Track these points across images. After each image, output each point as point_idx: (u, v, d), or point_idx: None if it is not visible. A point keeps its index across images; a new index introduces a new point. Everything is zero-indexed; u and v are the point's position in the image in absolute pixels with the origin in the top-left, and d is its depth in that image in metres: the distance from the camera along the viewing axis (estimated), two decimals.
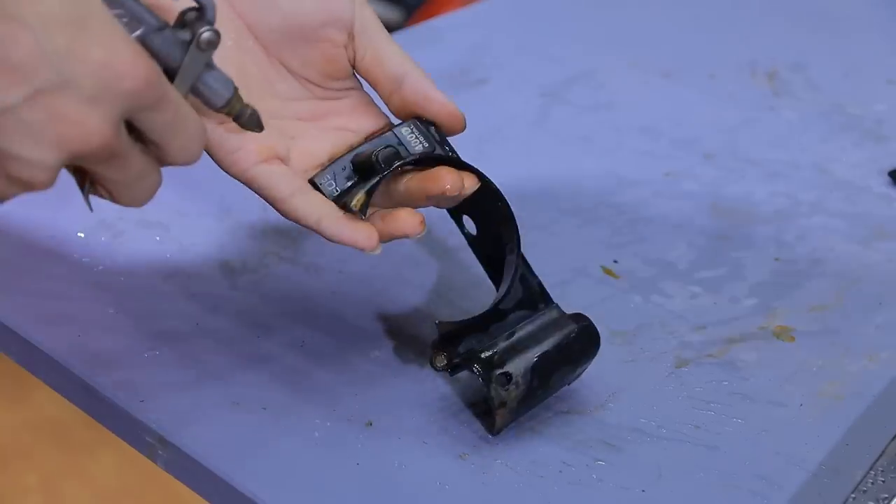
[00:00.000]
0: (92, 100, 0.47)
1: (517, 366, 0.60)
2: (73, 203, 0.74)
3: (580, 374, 0.64)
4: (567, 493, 0.58)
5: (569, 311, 0.71)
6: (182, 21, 0.52)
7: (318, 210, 0.59)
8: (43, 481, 1.74)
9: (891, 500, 0.59)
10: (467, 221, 0.66)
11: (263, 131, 0.57)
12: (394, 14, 2.44)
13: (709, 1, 1.22)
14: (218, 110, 0.55)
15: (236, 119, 0.56)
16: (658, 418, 0.63)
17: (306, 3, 0.60)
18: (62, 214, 0.74)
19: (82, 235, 0.72)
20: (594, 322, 0.64)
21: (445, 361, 0.60)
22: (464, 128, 0.65)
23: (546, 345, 0.61)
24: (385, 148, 0.60)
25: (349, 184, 0.60)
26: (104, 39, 0.47)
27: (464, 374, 0.63)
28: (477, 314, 0.61)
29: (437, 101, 0.64)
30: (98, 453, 1.76)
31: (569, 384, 0.64)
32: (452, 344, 0.61)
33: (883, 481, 0.60)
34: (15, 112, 0.46)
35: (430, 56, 1.04)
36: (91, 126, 0.47)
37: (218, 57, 0.54)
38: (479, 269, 0.74)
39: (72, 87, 0.47)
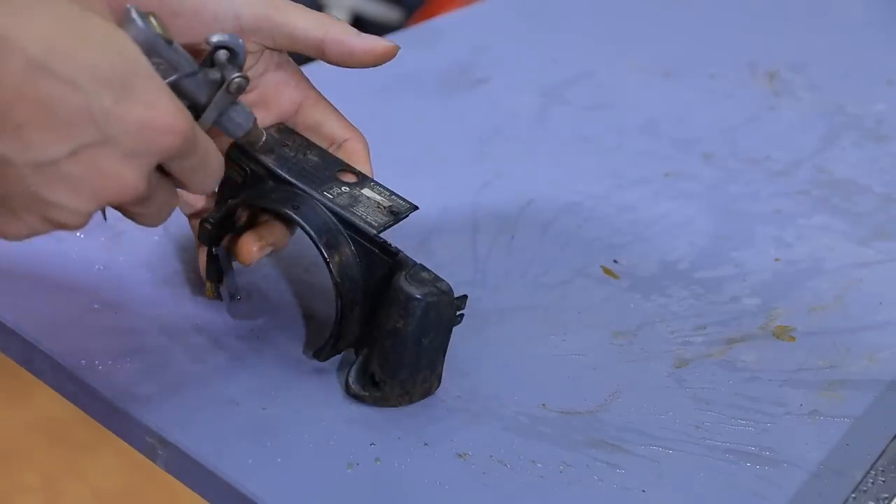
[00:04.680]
0: (130, 155, 0.49)
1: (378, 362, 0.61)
2: None
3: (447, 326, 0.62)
4: (567, 493, 0.58)
5: (569, 312, 0.71)
6: (212, 60, 0.56)
7: None
8: (43, 481, 1.74)
9: (891, 499, 0.59)
10: None
11: None
12: (394, 14, 2.44)
13: (709, 1, 1.22)
14: (238, 139, 0.60)
15: (251, 145, 0.61)
16: (658, 418, 0.63)
17: (184, 27, 0.60)
18: None
19: (81, 235, 0.72)
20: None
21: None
22: (383, 58, 0.65)
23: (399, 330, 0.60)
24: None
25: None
26: (146, 97, 0.49)
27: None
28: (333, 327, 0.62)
29: (357, 45, 0.64)
30: (98, 453, 1.76)
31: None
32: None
33: (883, 481, 0.60)
34: (57, 165, 0.48)
35: (430, 56, 1.04)
36: (127, 179, 0.50)
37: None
38: (477, 269, 0.74)
39: (112, 143, 0.49)
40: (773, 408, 0.65)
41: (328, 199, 0.61)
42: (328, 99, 0.67)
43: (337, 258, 0.61)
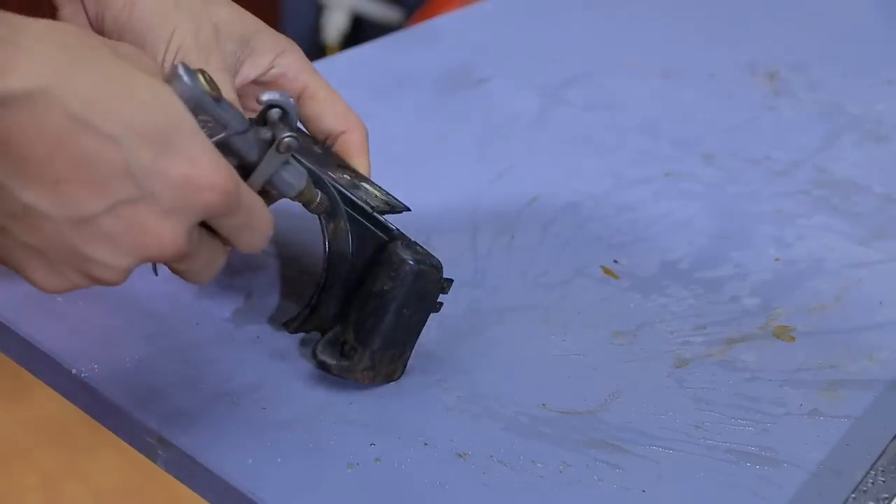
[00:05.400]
0: (170, 212, 0.49)
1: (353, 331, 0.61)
2: None
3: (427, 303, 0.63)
4: (567, 493, 0.58)
5: (569, 312, 0.71)
6: (264, 118, 0.55)
7: None
8: (43, 481, 1.75)
9: (891, 500, 0.59)
10: None
11: None
12: (394, 14, 2.44)
13: (709, 1, 1.22)
14: (292, 198, 0.58)
15: (306, 205, 0.60)
16: (658, 418, 0.63)
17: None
18: None
19: None
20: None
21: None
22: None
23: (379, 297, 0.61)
24: None
25: None
26: (187, 153, 0.48)
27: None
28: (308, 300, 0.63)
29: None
30: (98, 453, 1.76)
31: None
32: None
33: (883, 481, 0.60)
34: (96, 221, 0.48)
35: (430, 56, 1.04)
36: (166, 237, 0.49)
37: None
38: (477, 268, 0.74)
39: (151, 200, 0.48)
40: (773, 408, 0.65)
41: (330, 177, 0.62)
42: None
43: (332, 226, 0.62)
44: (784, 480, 0.60)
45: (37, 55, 0.46)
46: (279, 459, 0.58)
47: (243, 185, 0.52)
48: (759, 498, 0.59)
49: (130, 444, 0.62)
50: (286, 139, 0.54)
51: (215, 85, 0.52)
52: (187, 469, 0.59)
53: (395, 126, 0.92)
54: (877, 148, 0.94)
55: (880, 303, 0.74)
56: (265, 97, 0.55)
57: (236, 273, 0.71)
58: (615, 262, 0.77)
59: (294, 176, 0.57)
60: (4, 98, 0.45)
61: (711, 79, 1.04)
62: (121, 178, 0.47)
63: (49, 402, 1.82)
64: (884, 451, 0.62)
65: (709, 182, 0.88)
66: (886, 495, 0.59)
